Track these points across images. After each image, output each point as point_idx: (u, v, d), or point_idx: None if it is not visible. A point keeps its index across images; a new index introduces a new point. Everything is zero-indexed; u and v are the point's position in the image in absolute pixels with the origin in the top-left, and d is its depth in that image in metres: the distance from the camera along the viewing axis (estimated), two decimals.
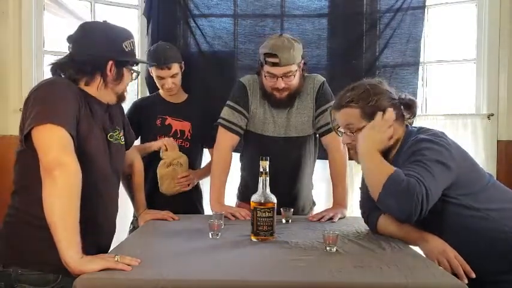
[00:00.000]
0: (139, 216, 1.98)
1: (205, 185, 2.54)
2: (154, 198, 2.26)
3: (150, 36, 2.75)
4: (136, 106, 2.41)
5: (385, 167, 1.47)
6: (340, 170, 2.08)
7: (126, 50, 1.57)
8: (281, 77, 1.97)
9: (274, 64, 1.95)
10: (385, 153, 1.58)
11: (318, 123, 2.12)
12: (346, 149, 2.11)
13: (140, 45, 2.91)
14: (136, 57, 1.70)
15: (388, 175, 1.41)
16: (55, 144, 1.30)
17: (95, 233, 1.51)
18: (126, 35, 1.60)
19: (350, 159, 2.16)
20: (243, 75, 2.25)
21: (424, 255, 1.45)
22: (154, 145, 2.20)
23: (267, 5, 2.79)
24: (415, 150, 1.47)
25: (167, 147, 2.18)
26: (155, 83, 2.38)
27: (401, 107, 1.62)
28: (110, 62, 1.54)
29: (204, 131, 2.29)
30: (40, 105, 1.36)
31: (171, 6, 2.77)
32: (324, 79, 2.16)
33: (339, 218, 1.94)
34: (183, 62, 2.37)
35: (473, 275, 1.36)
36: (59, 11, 2.90)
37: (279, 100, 2.06)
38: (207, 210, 2.39)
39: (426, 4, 2.75)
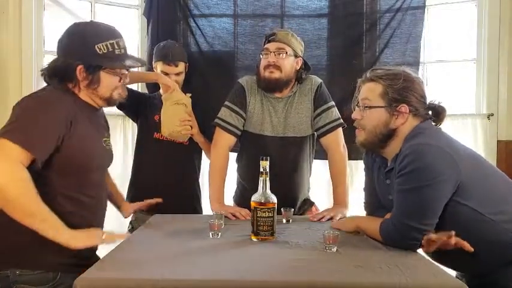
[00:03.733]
0: (122, 209, 1.97)
1: (204, 185, 2.54)
2: (153, 197, 2.27)
3: (150, 36, 2.75)
4: (140, 93, 2.53)
5: (372, 230, 1.56)
6: (341, 170, 2.10)
7: (100, 52, 1.47)
8: (274, 52, 2.05)
9: (270, 40, 2.08)
10: (384, 139, 1.56)
11: (317, 124, 2.13)
12: (346, 149, 2.13)
13: (140, 45, 2.91)
14: (126, 57, 1.56)
15: (379, 232, 1.52)
16: None
17: None
18: (103, 37, 1.49)
19: (349, 159, 2.18)
20: (243, 75, 2.27)
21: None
22: (162, 78, 2.20)
23: (267, 5, 2.79)
24: (402, 169, 1.45)
25: (173, 88, 2.18)
26: (155, 83, 2.38)
27: (429, 111, 1.59)
28: (79, 67, 1.47)
29: (203, 130, 2.29)
30: (13, 119, 1.38)
31: (171, 6, 2.77)
32: (321, 81, 2.20)
33: (339, 218, 1.94)
34: (187, 64, 2.38)
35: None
36: (59, 11, 2.90)
37: (269, 80, 2.07)
38: (206, 210, 2.40)
39: (426, 4, 2.75)
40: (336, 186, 2.09)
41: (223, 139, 2.12)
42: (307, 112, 2.13)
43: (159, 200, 1.95)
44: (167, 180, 2.27)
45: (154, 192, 2.25)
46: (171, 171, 2.29)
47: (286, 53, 2.06)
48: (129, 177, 2.41)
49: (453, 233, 1.38)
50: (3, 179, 1.26)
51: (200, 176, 2.47)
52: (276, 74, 2.05)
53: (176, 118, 2.17)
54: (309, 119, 2.14)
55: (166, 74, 2.28)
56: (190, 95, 2.24)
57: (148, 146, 2.33)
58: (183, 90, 2.31)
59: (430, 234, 1.40)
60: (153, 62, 2.37)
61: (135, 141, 2.49)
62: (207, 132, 2.28)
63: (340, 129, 2.14)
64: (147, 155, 2.32)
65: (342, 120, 2.13)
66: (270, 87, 2.09)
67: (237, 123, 2.12)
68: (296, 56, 2.10)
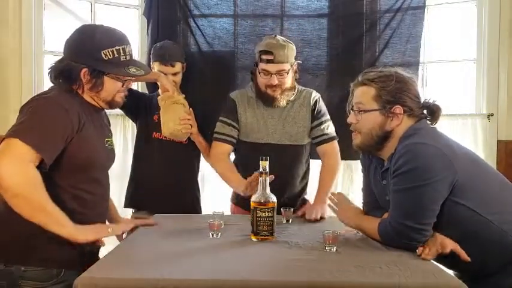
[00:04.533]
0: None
1: (205, 184, 2.55)
2: (153, 197, 2.27)
3: (150, 36, 2.74)
4: (140, 93, 2.54)
5: (371, 229, 1.55)
6: (331, 174, 2.17)
7: (105, 58, 1.48)
8: (275, 73, 2.06)
9: (268, 61, 2.06)
10: (380, 142, 1.56)
11: (316, 133, 2.19)
12: (340, 161, 2.21)
13: (140, 45, 2.91)
14: (132, 63, 1.57)
15: (377, 232, 1.52)
16: (5, 155, 1.31)
17: None
18: (110, 43, 1.50)
19: (350, 159, 2.20)
20: (243, 75, 2.29)
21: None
22: (163, 79, 2.22)
23: (267, 5, 2.78)
24: (397, 169, 1.45)
25: (171, 89, 2.20)
26: (155, 83, 2.39)
27: (424, 110, 1.59)
28: (84, 70, 1.48)
29: (201, 130, 2.29)
30: (23, 119, 1.40)
31: (171, 6, 2.77)
32: (319, 95, 2.26)
33: (321, 218, 1.96)
34: (185, 64, 2.38)
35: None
36: (59, 11, 2.90)
37: (272, 97, 2.12)
38: (206, 210, 2.40)
39: (426, 4, 2.75)
40: (322, 186, 2.11)
41: (220, 148, 2.17)
42: (305, 122, 2.18)
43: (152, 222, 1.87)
44: (167, 180, 2.27)
45: (153, 192, 2.26)
46: (171, 171, 2.29)
47: (287, 72, 2.08)
48: (129, 177, 2.40)
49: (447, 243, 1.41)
50: (15, 177, 1.29)
51: (200, 176, 2.47)
52: (279, 91, 2.10)
53: (176, 117, 2.18)
54: (306, 129, 2.19)
55: (164, 74, 2.28)
56: (183, 96, 2.26)
57: (148, 146, 2.33)
58: (181, 90, 2.31)
59: (425, 250, 1.41)
60: (150, 62, 2.38)
61: (134, 141, 2.49)
62: (205, 132, 2.28)
63: (336, 142, 2.20)
64: (147, 155, 2.32)
65: (335, 134, 2.21)
66: (273, 103, 2.13)
67: (232, 133, 2.17)
68: (292, 63, 2.12)
